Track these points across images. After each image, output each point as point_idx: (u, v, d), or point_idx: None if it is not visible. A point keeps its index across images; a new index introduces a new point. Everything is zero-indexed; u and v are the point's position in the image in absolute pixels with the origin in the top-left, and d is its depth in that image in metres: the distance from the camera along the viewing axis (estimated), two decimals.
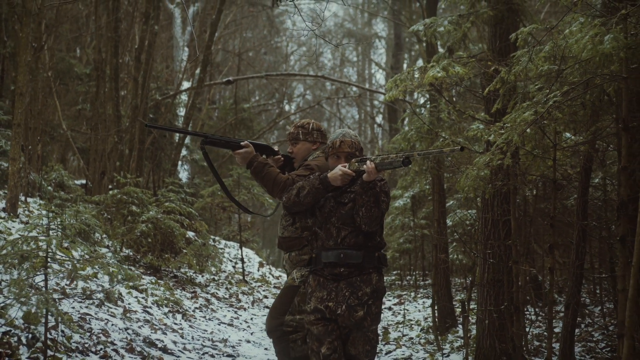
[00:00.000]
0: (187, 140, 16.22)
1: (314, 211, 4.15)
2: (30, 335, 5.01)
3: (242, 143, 4.45)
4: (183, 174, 17.77)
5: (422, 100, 10.33)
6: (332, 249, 4.01)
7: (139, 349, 6.16)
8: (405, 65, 24.40)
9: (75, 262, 4.27)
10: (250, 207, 15.09)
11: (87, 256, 4.91)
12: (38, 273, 4.21)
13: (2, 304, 5.12)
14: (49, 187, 11.44)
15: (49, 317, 4.98)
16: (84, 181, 14.37)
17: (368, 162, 3.86)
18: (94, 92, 13.50)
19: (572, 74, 4.84)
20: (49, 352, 5.00)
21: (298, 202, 4.08)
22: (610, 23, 4.06)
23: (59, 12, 12.44)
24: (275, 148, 4.75)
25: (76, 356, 5.25)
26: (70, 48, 16.88)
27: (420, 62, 20.27)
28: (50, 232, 4.26)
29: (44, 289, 4.41)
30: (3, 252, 4.18)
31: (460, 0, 6.49)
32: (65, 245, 7.00)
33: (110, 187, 12.95)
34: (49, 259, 4.13)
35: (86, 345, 5.60)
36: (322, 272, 4.05)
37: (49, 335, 5.25)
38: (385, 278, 4.67)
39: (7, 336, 4.91)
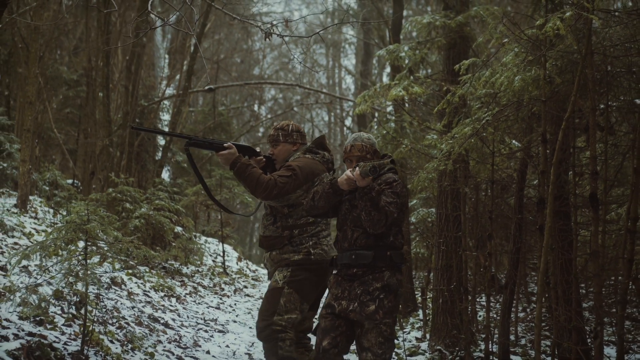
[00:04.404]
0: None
1: (336, 214, 4.28)
2: (64, 306, 6.10)
3: (225, 144, 4.50)
4: (165, 175, 18.78)
5: (390, 108, 11.60)
6: (347, 250, 4.13)
7: (145, 323, 7.25)
8: (374, 71, 25.63)
9: (110, 244, 5.36)
10: (231, 205, 16.20)
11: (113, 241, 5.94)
12: (80, 253, 5.29)
13: (39, 281, 6.19)
14: (45, 187, 12.43)
15: (70, 294, 6.06)
16: (70, 181, 15.31)
17: (357, 168, 3.96)
18: (83, 98, 14.46)
19: (506, 96, 6.06)
20: (79, 322, 6.08)
21: (314, 206, 4.19)
22: (530, 63, 5.27)
23: (56, 25, 13.38)
24: (257, 149, 4.81)
25: (99, 326, 6.33)
26: (52, 54, 17.69)
27: (387, 70, 21.44)
28: (89, 222, 5.33)
29: (81, 268, 5.47)
30: (52, 237, 5.25)
31: (418, 30, 7.67)
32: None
33: (94, 186, 13.92)
34: (89, 242, 5.21)
35: (104, 318, 6.67)
36: (340, 272, 4.19)
37: (73, 309, 6.33)
38: None
39: (44, 309, 5.98)
